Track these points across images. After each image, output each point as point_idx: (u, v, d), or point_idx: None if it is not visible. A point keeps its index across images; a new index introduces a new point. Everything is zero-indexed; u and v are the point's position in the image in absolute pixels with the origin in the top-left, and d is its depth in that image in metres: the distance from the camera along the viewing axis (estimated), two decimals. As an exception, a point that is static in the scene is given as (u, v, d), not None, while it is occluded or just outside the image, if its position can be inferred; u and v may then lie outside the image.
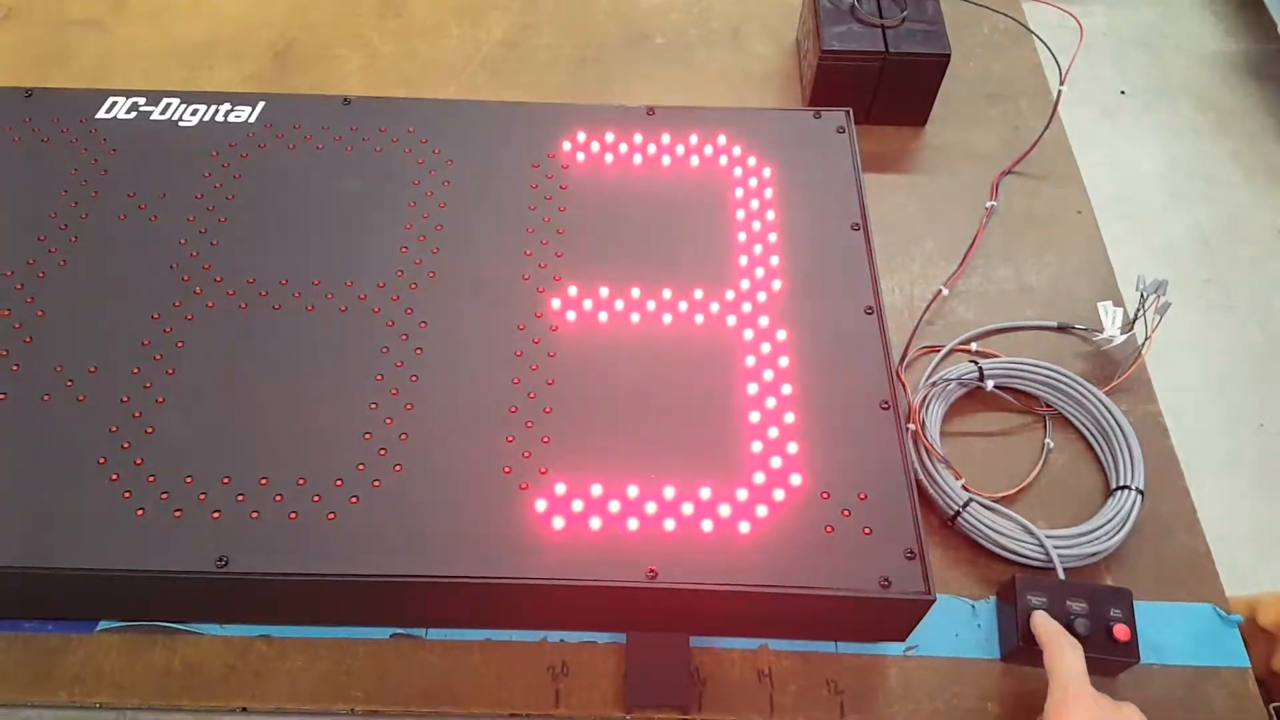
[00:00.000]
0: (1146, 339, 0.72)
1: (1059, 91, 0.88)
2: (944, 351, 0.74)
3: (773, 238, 0.70)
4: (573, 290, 0.67)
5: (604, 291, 0.67)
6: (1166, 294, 0.72)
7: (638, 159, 0.75)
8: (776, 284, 0.67)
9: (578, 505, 0.57)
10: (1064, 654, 0.54)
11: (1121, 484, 0.66)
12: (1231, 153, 2.01)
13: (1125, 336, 0.73)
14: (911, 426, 0.68)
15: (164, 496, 0.56)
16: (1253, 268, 1.81)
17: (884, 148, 0.88)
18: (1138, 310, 0.73)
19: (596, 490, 0.58)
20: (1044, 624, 0.57)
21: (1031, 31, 0.96)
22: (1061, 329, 0.77)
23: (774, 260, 0.69)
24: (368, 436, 0.59)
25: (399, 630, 0.61)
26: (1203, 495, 0.69)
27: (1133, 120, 2.07)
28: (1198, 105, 2.10)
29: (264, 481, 0.57)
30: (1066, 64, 0.87)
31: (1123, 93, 2.12)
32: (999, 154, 0.88)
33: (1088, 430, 0.70)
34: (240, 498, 0.56)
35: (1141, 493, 0.66)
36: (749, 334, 0.65)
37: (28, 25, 0.96)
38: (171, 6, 0.97)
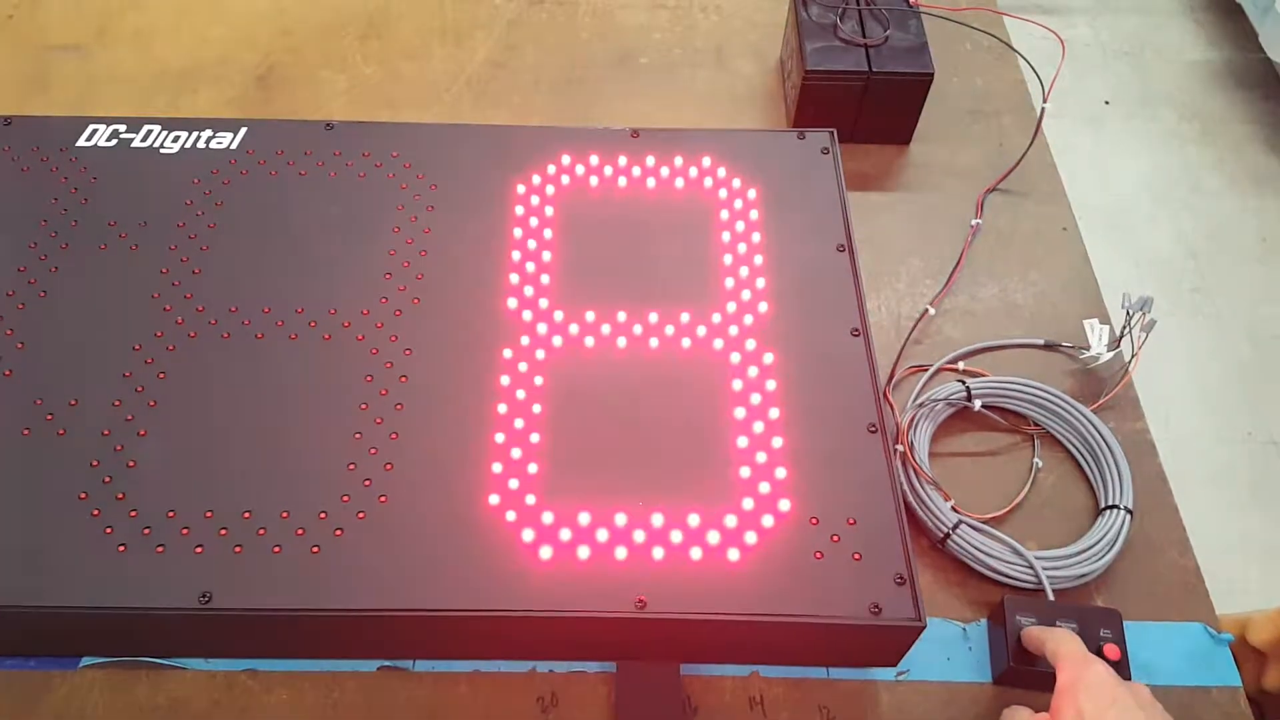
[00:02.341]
0: (1133, 356, 0.73)
1: (1042, 109, 0.88)
2: (931, 371, 0.74)
3: (758, 260, 0.70)
4: (559, 315, 0.66)
5: (590, 316, 0.66)
6: (1152, 311, 0.72)
7: (623, 181, 0.74)
8: (763, 306, 0.67)
9: (565, 534, 0.56)
10: (1064, 639, 0.55)
11: (1110, 503, 0.66)
12: (1216, 161, 2.03)
13: (1112, 354, 0.74)
14: (900, 448, 0.67)
15: (146, 532, 0.55)
16: (1239, 275, 1.82)
17: (868, 166, 0.89)
18: (1124, 327, 0.73)
19: (584, 519, 0.57)
20: (1035, 629, 0.58)
21: (1014, 49, 0.97)
22: (1048, 347, 0.77)
23: (760, 282, 0.69)
24: (351, 467, 0.58)
25: (386, 663, 0.60)
26: (1191, 507, 0.70)
27: (1117, 130, 2.08)
28: (1182, 114, 2.12)
29: (247, 515, 0.56)
30: (1049, 81, 0.87)
31: (1106, 103, 2.14)
32: (984, 171, 0.88)
33: (1076, 449, 0.71)
34: (223, 532, 0.55)
35: (1130, 512, 0.66)
36: (736, 357, 0.65)
37: (7, 50, 0.95)
38: (154, 31, 0.97)
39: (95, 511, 0.56)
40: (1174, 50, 2.26)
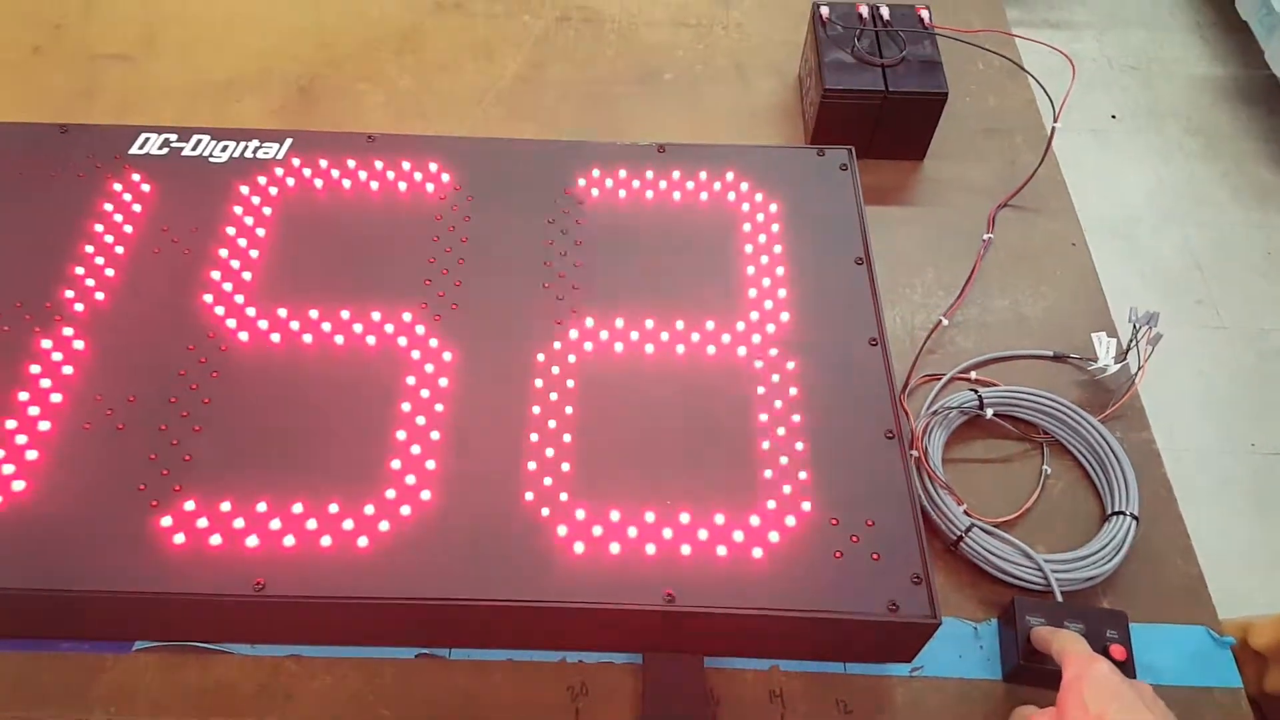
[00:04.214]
0: (1139, 369, 0.75)
1: (1053, 129, 0.91)
2: (944, 380, 0.77)
3: (780, 271, 0.73)
4: (589, 321, 0.69)
5: (619, 322, 0.69)
6: (1158, 325, 0.75)
7: (650, 194, 0.78)
8: (785, 316, 0.70)
9: (597, 530, 0.59)
10: (1070, 639, 0.58)
11: (1117, 510, 0.69)
12: (1221, 175, 2.06)
13: (1119, 366, 0.76)
14: (914, 453, 0.70)
15: (202, 522, 0.58)
16: (1243, 288, 1.85)
17: (884, 181, 0.92)
18: (1130, 341, 0.76)
19: (615, 516, 0.60)
20: (1043, 630, 0.60)
21: (1025, 70, 1.00)
22: (1057, 358, 0.80)
23: (782, 293, 0.72)
24: (397, 464, 0.61)
25: (424, 650, 0.63)
26: (1195, 516, 0.72)
27: (1123, 143, 2.11)
28: (1187, 129, 2.15)
29: (298, 507, 0.59)
30: (1059, 100, 0.90)
31: (1113, 117, 2.17)
32: (995, 187, 0.91)
33: (1084, 457, 0.73)
34: (275, 523, 0.58)
35: (1136, 518, 0.68)
36: (759, 364, 0.68)
37: (58, 59, 0.99)
38: (199, 41, 1.00)
39: (153, 502, 0.59)
40: (1180, 66, 2.29)
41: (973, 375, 0.78)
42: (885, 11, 0.93)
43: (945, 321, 0.81)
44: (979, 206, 0.90)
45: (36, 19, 1.02)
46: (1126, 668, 0.60)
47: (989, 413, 0.74)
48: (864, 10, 0.93)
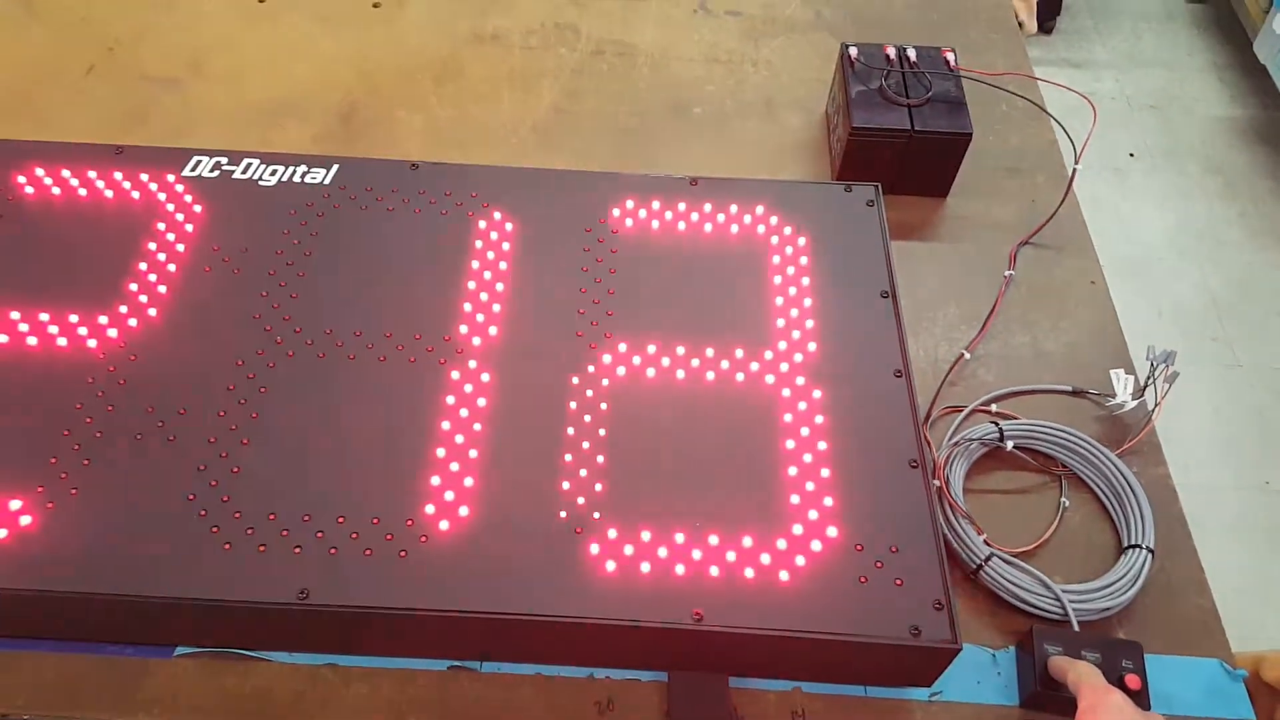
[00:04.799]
0: (1156, 405, 0.77)
1: (1074, 170, 0.93)
2: (966, 412, 0.79)
3: (807, 302, 0.75)
4: (623, 347, 0.72)
5: (651, 349, 0.72)
6: (1175, 363, 0.77)
7: (682, 225, 0.80)
8: (812, 346, 0.72)
9: (628, 550, 0.61)
10: (1087, 670, 0.59)
11: (1133, 543, 0.70)
12: (1239, 215, 2.07)
13: (1136, 402, 0.78)
14: (937, 483, 0.72)
15: (249, 532, 0.61)
16: (1259, 327, 1.86)
17: (908, 217, 0.94)
18: (1148, 378, 0.78)
19: (646, 536, 0.62)
20: (1060, 659, 0.62)
21: (1047, 113, 1.03)
22: (1076, 393, 0.81)
23: (809, 323, 0.74)
24: (436, 480, 0.64)
25: (456, 663, 0.65)
26: (1209, 550, 0.73)
27: (1142, 183, 2.13)
28: (1205, 168, 2.17)
29: (341, 519, 0.61)
30: (1080, 140, 0.93)
31: (1131, 155, 2.19)
32: (1017, 225, 0.93)
33: (1101, 490, 0.75)
34: (320, 534, 0.61)
35: (1152, 551, 0.70)
36: (786, 392, 0.70)
37: (110, 81, 1.03)
38: (246, 67, 1.04)
39: (202, 512, 0.62)
40: (1199, 106, 2.32)
41: (993, 408, 0.79)
42: (912, 53, 0.95)
43: (967, 355, 0.83)
44: (1001, 244, 0.92)
45: (91, 40, 1.06)
46: (1141, 698, 0.61)
47: (1009, 445, 0.75)
48: (891, 51, 0.96)
